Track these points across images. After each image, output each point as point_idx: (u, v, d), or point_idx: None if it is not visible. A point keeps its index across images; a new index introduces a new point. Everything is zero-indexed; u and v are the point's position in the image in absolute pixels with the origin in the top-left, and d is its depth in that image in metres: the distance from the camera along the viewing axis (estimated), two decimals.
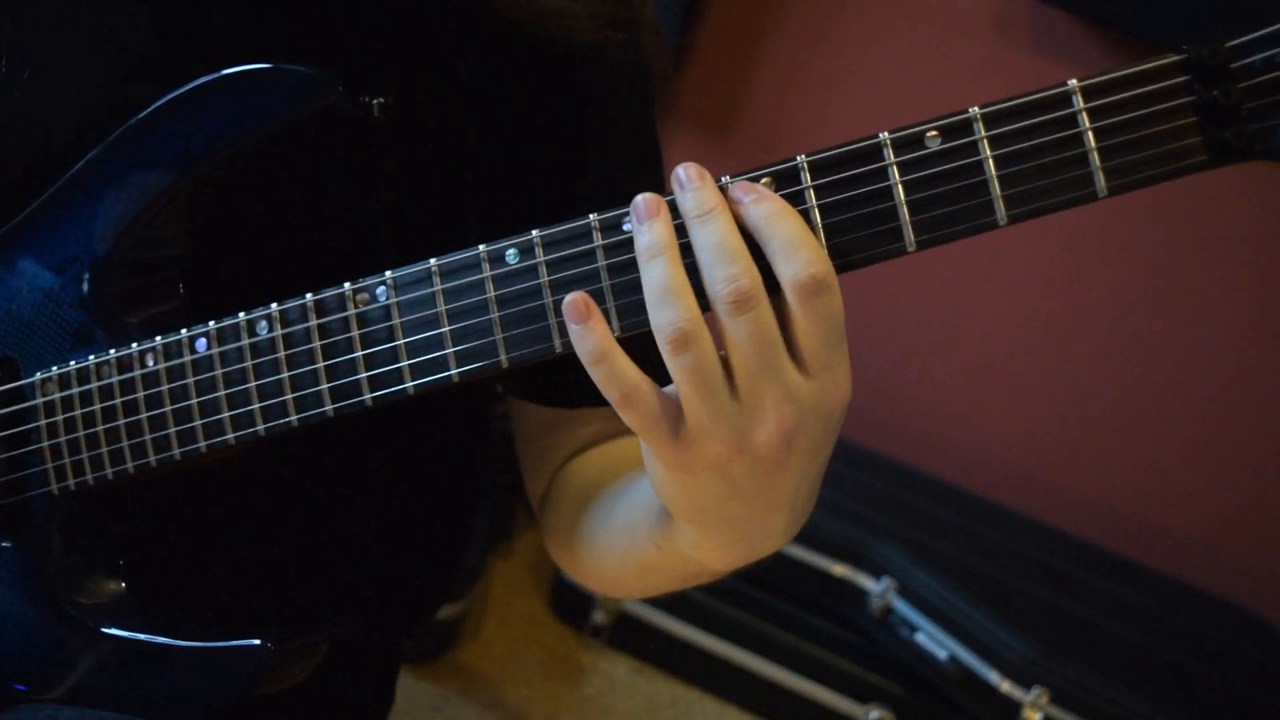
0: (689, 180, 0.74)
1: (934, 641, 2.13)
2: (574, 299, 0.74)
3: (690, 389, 0.72)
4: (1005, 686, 2.07)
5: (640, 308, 0.75)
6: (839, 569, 2.24)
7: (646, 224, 0.74)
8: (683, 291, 0.72)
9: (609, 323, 0.76)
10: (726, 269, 0.71)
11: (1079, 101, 0.69)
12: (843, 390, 0.74)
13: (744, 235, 0.73)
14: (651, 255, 0.73)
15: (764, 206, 0.72)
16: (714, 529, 0.80)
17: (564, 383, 1.01)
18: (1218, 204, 2.27)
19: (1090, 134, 0.69)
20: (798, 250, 0.71)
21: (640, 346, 0.77)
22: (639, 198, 0.75)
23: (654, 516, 0.87)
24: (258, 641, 0.89)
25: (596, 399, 1.03)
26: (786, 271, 0.71)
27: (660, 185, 1.03)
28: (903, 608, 2.17)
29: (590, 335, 0.73)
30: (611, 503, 0.97)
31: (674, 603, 2.27)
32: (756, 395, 0.72)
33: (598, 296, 0.76)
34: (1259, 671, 2.22)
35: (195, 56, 0.93)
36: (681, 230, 0.74)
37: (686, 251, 0.74)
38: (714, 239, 0.72)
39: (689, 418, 0.73)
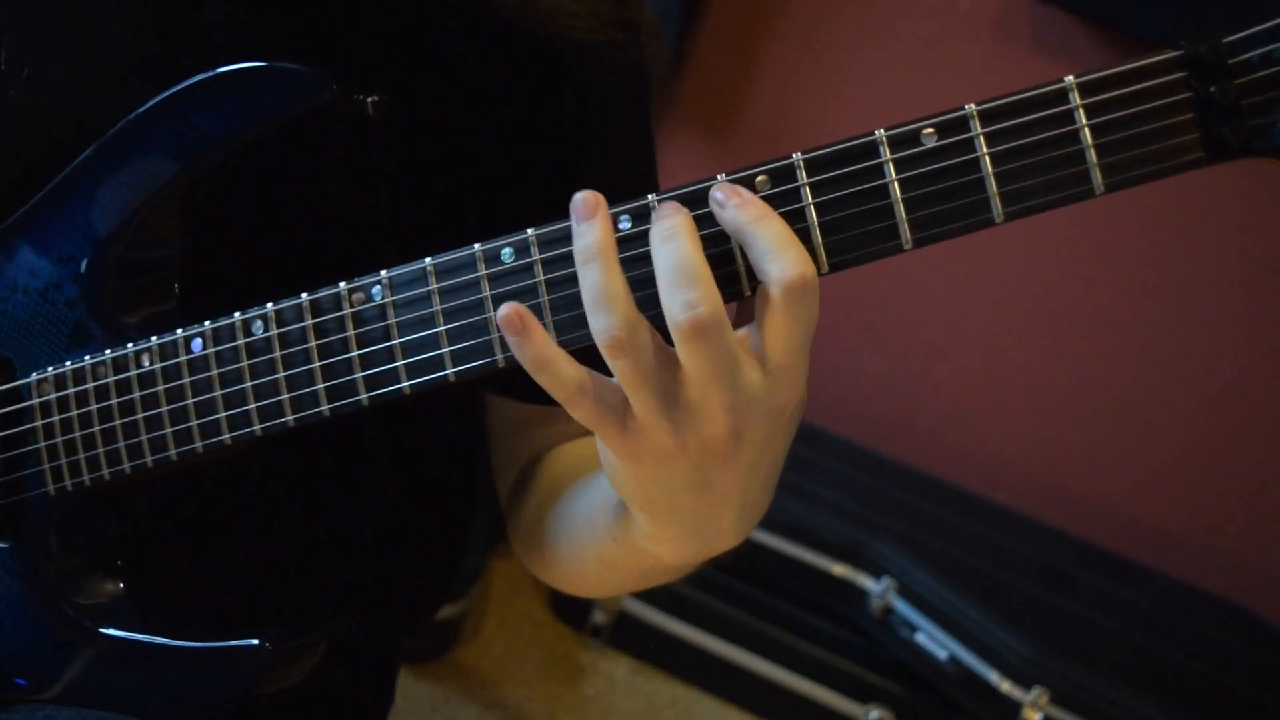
0: (661, 207, 0.74)
1: (934, 641, 2.13)
2: (506, 312, 0.74)
3: (632, 390, 0.73)
4: (1005, 686, 2.07)
5: (639, 305, 0.75)
6: (839, 569, 2.24)
7: (585, 225, 0.74)
8: (618, 296, 0.72)
9: None
10: (685, 294, 0.71)
11: (1076, 98, 0.69)
12: (799, 390, 0.74)
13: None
14: (586, 259, 0.73)
15: (747, 211, 0.72)
16: (665, 520, 0.80)
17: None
18: (1218, 204, 2.27)
19: (1087, 131, 0.69)
20: (784, 250, 0.71)
21: None
22: (577, 196, 0.74)
23: (611, 509, 0.87)
24: (256, 641, 0.89)
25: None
26: (774, 271, 0.71)
27: (654, 185, 1.03)
28: (903, 608, 2.17)
29: (529, 345, 0.74)
30: (574, 497, 0.98)
31: (674, 603, 2.27)
32: (706, 400, 0.72)
33: None
34: (1259, 671, 2.22)
35: (193, 55, 0.93)
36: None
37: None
38: (673, 259, 0.72)
39: (636, 411, 0.74)
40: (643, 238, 0.75)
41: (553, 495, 1.02)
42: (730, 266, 0.74)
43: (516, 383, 1.01)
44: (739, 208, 0.72)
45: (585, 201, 0.74)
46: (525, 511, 1.06)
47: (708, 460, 0.75)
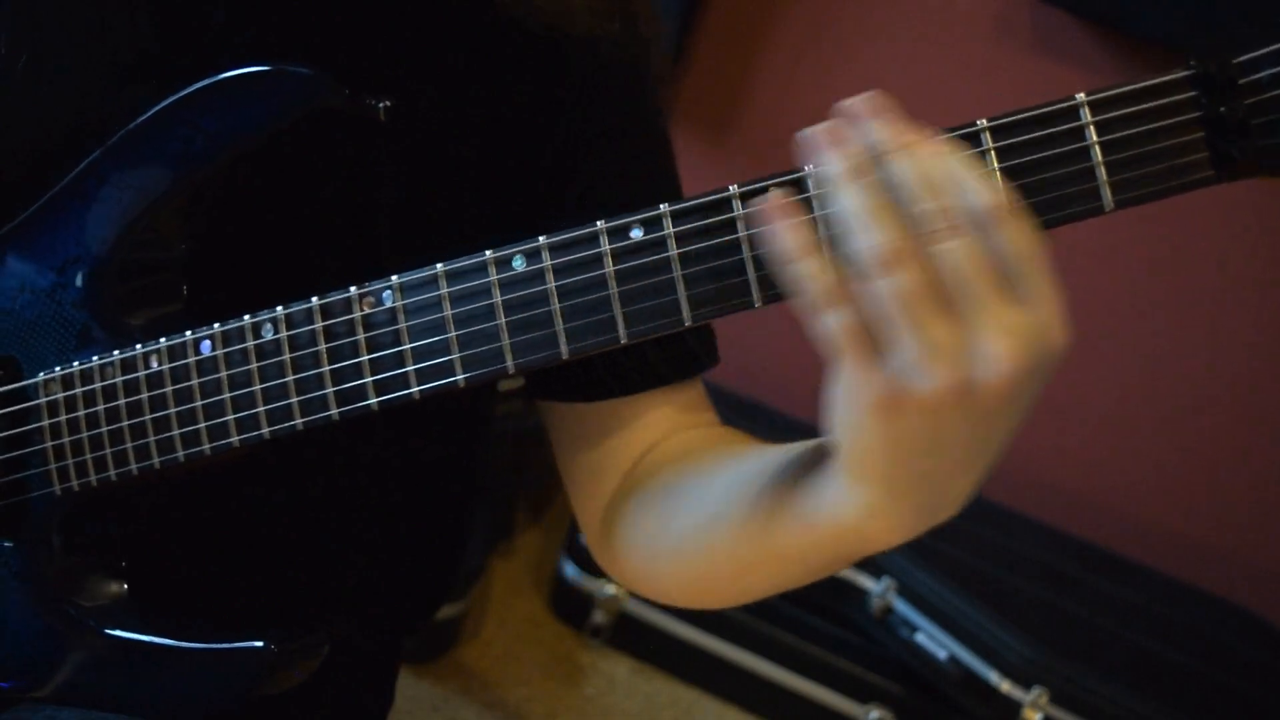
0: (866, 113, 0.69)
1: (934, 641, 2.13)
2: (768, 200, 0.69)
3: (906, 316, 0.65)
4: (1005, 686, 2.07)
5: (651, 314, 0.75)
6: None
7: (832, 153, 0.68)
8: (892, 210, 0.66)
9: (617, 329, 0.76)
10: (922, 204, 0.66)
11: (1086, 115, 0.69)
12: (1061, 326, 0.68)
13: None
14: (848, 180, 0.67)
15: (933, 147, 0.68)
16: (900, 489, 0.72)
17: (615, 372, 0.98)
18: (1218, 205, 2.27)
19: (1097, 148, 0.69)
20: (977, 182, 0.67)
21: (638, 351, 0.76)
22: (815, 129, 0.69)
23: (802, 493, 0.79)
24: (260, 643, 0.89)
25: (660, 379, 0.98)
26: (973, 203, 0.66)
27: (672, 173, 1.02)
28: (903, 608, 2.17)
29: (786, 233, 0.68)
30: (726, 491, 0.87)
31: None
32: (979, 329, 0.66)
33: (604, 303, 0.76)
34: (1259, 671, 2.22)
35: (193, 54, 0.93)
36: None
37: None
38: (905, 175, 0.67)
39: (904, 352, 0.66)
40: (655, 246, 0.75)
41: (676, 501, 0.93)
42: (741, 276, 0.74)
43: (575, 382, 0.99)
44: (925, 144, 0.68)
45: (832, 130, 0.69)
46: (637, 528, 0.96)
47: (975, 415, 0.68)
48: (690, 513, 0.90)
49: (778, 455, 0.84)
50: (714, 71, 2.51)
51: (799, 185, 0.72)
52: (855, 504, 0.74)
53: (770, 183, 0.73)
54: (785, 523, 0.80)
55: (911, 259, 0.65)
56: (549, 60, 0.97)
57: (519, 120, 0.97)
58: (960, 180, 0.67)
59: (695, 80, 2.51)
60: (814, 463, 0.78)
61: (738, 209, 0.73)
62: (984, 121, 0.71)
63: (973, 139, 0.71)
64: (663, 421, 1.00)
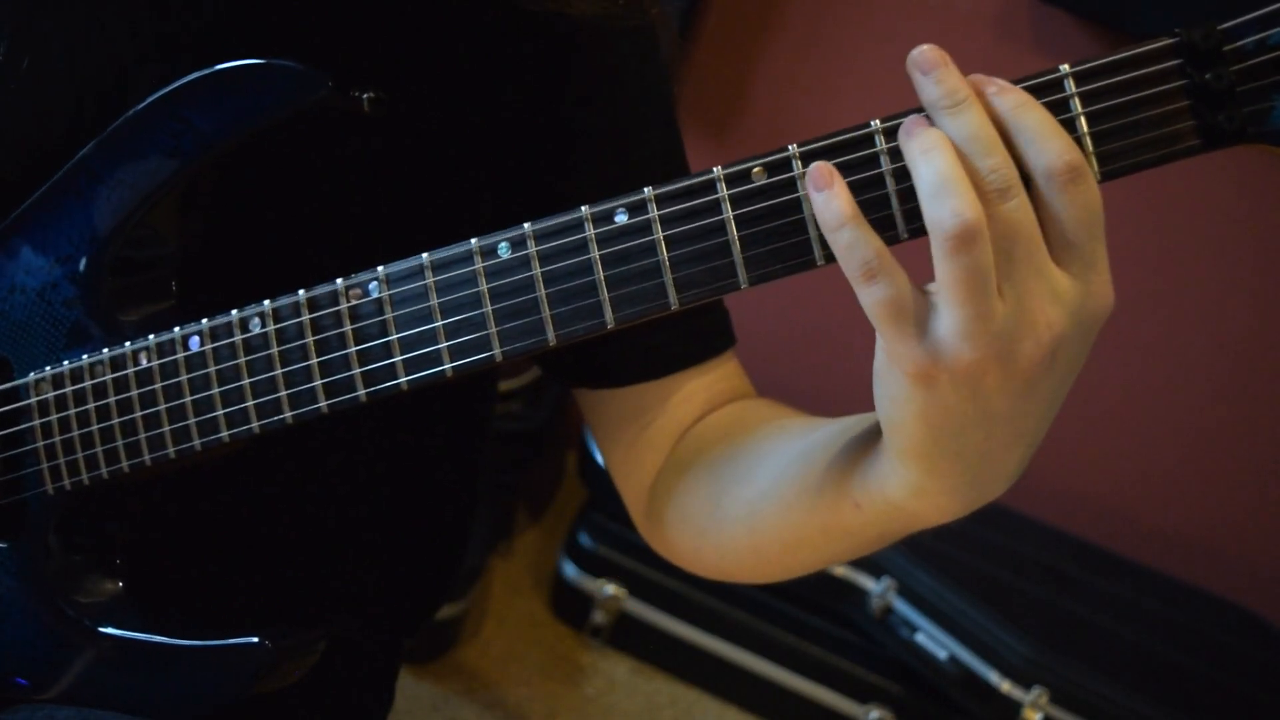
0: (932, 65, 0.68)
1: (934, 641, 2.13)
2: (816, 166, 0.69)
3: (965, 292, 0.66)
4: (1005, 686, 2.07)
5: (637, 298, 0.75)
6: (839, 569, 2.23)
7: (920, 129, 0.68)
8: (966, 182, 0.66)
9: (604, 314, 0.76)
10: (985, 160, 0.66)
11: (1071, 86, 0.69)
12: (1108, 294, 0.69)
13: None
14: (926, 150, 0.67)
15: (1009, 98, 0.68)
16: (945, 465, 0.72)
17: (640, 355, 0.98)
18: (1218, 203, 2.27)
19: (1083, 119, 0.69)
20: (1050, 139, 0.67)
21: (620, 337, 0.76)
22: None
23: (849, 469, 0.79)
24: (256, 640, 0.89)
25: (695, 356, 0.98)
26: (1041, 161, 0.66)
27: (679, 154, 1.01)
28: (903, 608, 2.17)
29: (835, 200, 0.68)
30: (772, 467, 0.88)
31: (674, 603, 2.27)
32: (1024, 297, 0.66)
33: (590, 288, 0.76)
34: (1259, 671, 2.22)
35: (191, 51, 0.93)
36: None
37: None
38: (969, 129, 0.67)
39: (952, 323, 0.66)
40: (639, 230, 0.75)
41: (723, 475, 0.93)
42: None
43: (609, 367, 0.99)
44: (999, 94, 0.68)
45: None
46: (685, 504, 0.96)
47: (1014, 384, 0.68)
48: (739, 491, 0.90)
49: (825, 432, 0.84)
50: (714, 71, 2.51)
51: (785, 167, 0.72)
52: (901, 482, 0.74)
53: (754, 164, 0.73)
54: (833, 501, 0.80)
55: (979, 236, 0.65)
56: (553, 45, 0.96)
57: (522, 109, 0.97)
58: (1037, 133, 0.67)
59: (695, 80, 2.51)
60: (861, 440, 0.78)
61: (722, 191, 0.73)
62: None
63: None
64: (697, 398, 1.00)
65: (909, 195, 0.69)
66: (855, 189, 0.70)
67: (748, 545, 0.91)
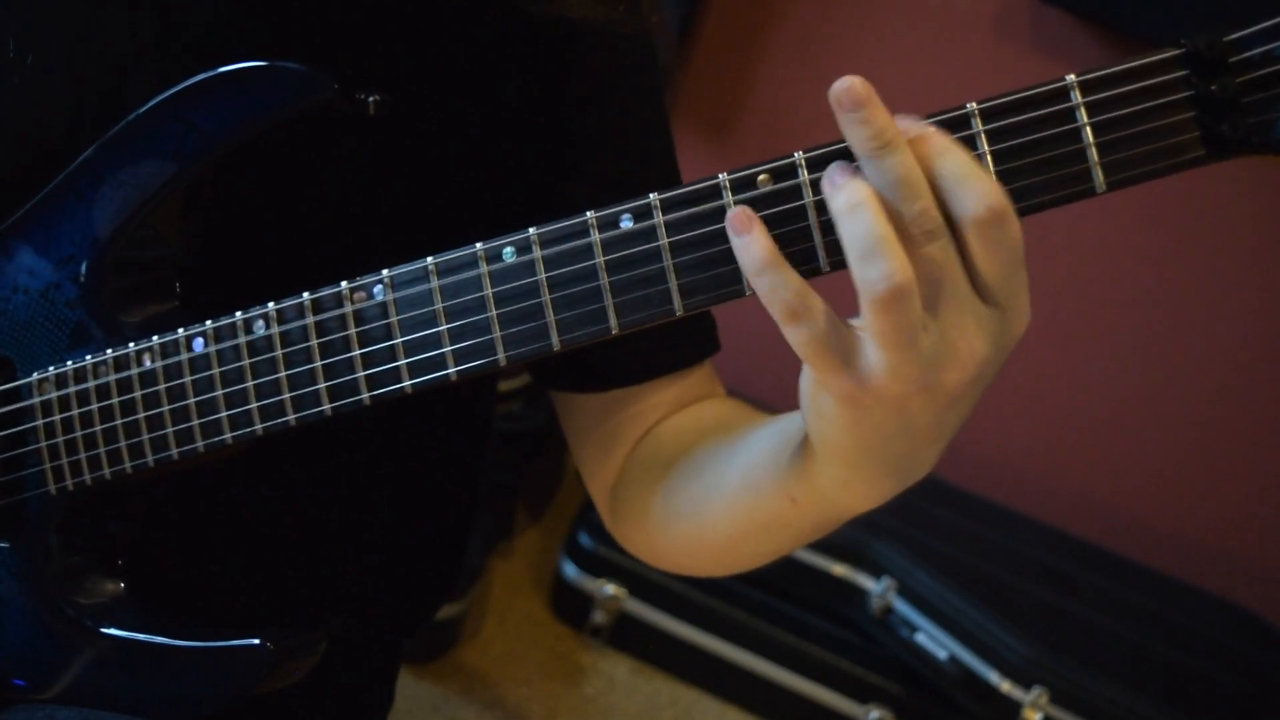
0: (857, 103, 0.67)
1: (934, 641, 2.13)
2: (736, 212, 0.71)
3: (893, 339, 0.68)
4: (1005, 686, 2.07)
5: (642, 304, 0.75)
6: (839, 569, 2.24)
7: (845, 180, 0.68)
8: (893, 241, 0.66)
9: (608, 319, 0.76)
10: (911, 205, 0.67)
11: (1077, 96, 0.69)
12: (1026, 314, 0.70)
13: None
14: (853, 206, 0.67)
15: (930, 144, 0.68)
16: (872, 467, 0.75)
17: (623, 361, 1.00)
18: (1218, 204, 2.27)
19: (1088, 129, 0.69)
20: (971, 183, 0.67)
21: (616, 343, 0.77)
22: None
23: (784, 466, 0.82)
24: (256, 641, 0.89)
25: (665, 368, 1.00)
26: (964, 207, 0.67)
27: (672, 162, 1.02)
28: (903, 608, 2.17)
29: (754, 244, 0.70)
30: (716, 465, 0.91)
31: (674, 603, 2.27)
32: (948, 329, 0.68)
33: (595, 294, 0.76)
34: (1259, 671, 2.22)
35: (192, 51, 0.93)
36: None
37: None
38: (896, 173, 0.67)
39: (879, 362, 0.68)
40: (644, 235, 0.75)
41: (676, 473, 0.95)
42: (731, 264, 0.73)
43: (582, 375, 1.01)
44: (920, 140, 0.68)
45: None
46: (641, 500, 0.99)
47: (938, 405, 0.70)
48: (688, 487, 0.94)
49: (765, 431, 0.88)
50: (714, 71, 2.51)
51: (790, 173, 0.72)
52: (830, 480, 0.78)
53: (759, 170, 0.73)
54: (771, 496, 0.84)
55: (909, 295, 0.67)
56: (553, 47, 0.96)
57: (522, 110, 0.97)
58: (957, 180, 0.68)
59: (695, 80, 2.51)
60: (794, 439, 0.81)
61: (727, 198, 0.73)
62: (974, 105, 0.71)
63: (963, 122, 0.71)
64: (668, 402, 1.02)
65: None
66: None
67: (697, 538, 0.94)
